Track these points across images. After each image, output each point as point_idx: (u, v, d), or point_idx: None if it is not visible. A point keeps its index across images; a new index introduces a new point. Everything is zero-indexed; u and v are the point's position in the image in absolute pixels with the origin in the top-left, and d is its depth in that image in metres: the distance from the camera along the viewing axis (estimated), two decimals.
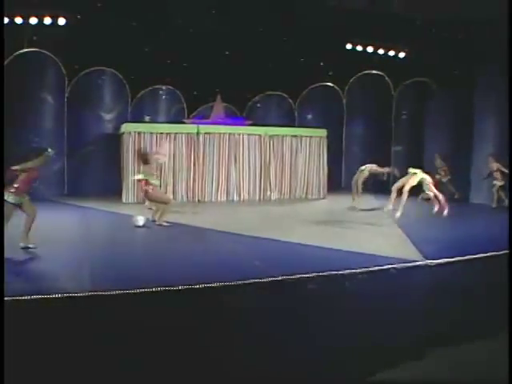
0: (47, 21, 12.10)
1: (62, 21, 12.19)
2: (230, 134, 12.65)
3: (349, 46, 14.89)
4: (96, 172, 12.97)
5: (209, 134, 12.52)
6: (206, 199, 12.44)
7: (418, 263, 6.51)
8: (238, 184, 12.68)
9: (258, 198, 12.88)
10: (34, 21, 12.03)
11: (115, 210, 10.77)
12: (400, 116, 15.76)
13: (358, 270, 6.05)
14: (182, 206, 11.08)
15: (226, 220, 9.91)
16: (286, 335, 4.44)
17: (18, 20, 11.89)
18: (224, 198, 12.61)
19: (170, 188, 12.24)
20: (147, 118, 13.63)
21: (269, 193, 13.01)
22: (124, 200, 11.94)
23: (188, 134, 12.39)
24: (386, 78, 15.66)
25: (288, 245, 7.53)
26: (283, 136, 13.22)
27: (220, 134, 12.56)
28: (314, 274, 5.89)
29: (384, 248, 7.21)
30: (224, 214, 10.82)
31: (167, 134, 12.21)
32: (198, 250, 7.32)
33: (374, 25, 14.11)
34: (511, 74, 10.72)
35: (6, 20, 11.72)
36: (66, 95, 13.02)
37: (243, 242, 7.79)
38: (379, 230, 9.07)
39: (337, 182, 15.65)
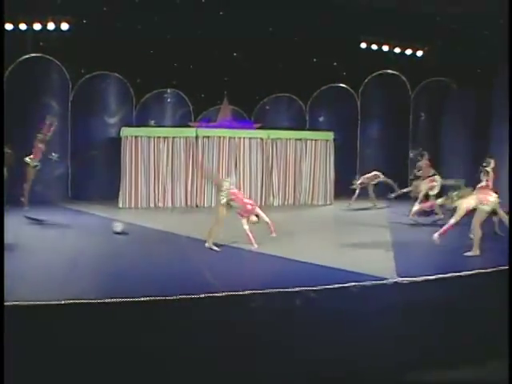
0: (51, 26, 12.21)
1: (65, 26, 12.27)
2: (230, 137, 12.39)
3: (363, 45, 14.42)
4: (99, 176, 12.95)
5: (208, 137, 12.32)
6: (205, 205, 12.23)
7: (385, 281, 6.08)
8: (239, 189, 12.37)
9: (259, 203, 12.53)
10: (37, 26, 12.16)
11: (107, 215, 10.69)
12: (418, 117, 15.09)
13: (314, 288, 5.69)
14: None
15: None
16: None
17: (22, 26, 12.06)
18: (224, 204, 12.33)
19: (168, 193, 12.12)
20: (152, 122, 13.55)
21: (271, 198, 12.66)
22: (120, 205, 11.89)
23: (187, 137, 12.22)
24: (403, 78, 15.02)
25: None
26: (287, 139, 12.84)
27: (220, 137, 12.33)
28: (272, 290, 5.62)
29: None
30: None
31: (165, 138, 12.08)
32: (163, 260, 7.13)
33: (390, 23, 13.61)
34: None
35: (11, 26, 11.95)
36: (70, 99, 13.08)
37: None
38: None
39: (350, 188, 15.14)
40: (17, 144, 12.30)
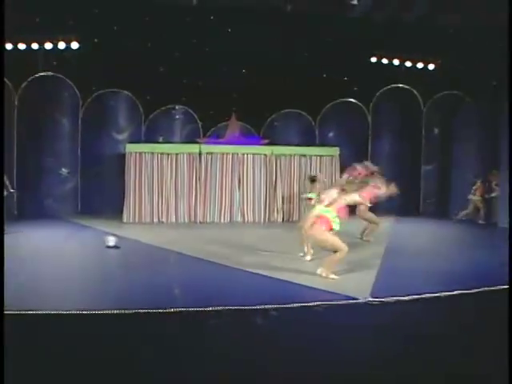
0: (61, 45, 12.63)
1: (75, 45, 12.66)
2: (233, 153, 12.49)
3: (374, 60, 14.34)
4: (108, 191, 13.21)
5: (211, 153, 12.45)
6: (207, 220, 12.33)
7: (356, 301, 5.99)
8: (242, 205, 12.46)
9: (262, 220, 12.58)
10: (48, 46, 12.60)
11: (109, 229, 10.89)
12: (431, 132, 14.87)
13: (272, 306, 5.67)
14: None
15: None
16: None
17: (34, 45, 12.53)
18: (227, 220, 12.42)
19: (171, 209, 12.28)
20: (161, 139, 13.79)
21: (275, 214, 12.65)
22: (125, 220, 12.11)
23: (190, 153, 12.38)
24: (415, 92, 14.84)
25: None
26: (291, 155, 12.85)
27: (223, 153, 12.44)
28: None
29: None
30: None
31: (168, 154, 12.28)
32: (148, 273, 7.23)
33: (401, 36, 13.54)
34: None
35: (23, 46, 12.44)
36: (80, 116, 13.48)
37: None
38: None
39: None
40: (31, 158, 12.89)
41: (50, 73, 12.97)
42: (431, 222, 13.34)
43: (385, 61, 14.35)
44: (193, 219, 12.36)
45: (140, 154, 12.23)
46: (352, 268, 7.56)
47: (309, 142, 14.50)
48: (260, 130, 14.61)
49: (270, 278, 6.99)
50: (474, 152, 13.65)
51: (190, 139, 13.81)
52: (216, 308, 5.56)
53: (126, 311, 5.36)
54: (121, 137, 13.64)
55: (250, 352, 4.70)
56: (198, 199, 12.34)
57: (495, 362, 4.36)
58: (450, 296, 6.26)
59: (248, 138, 13.99)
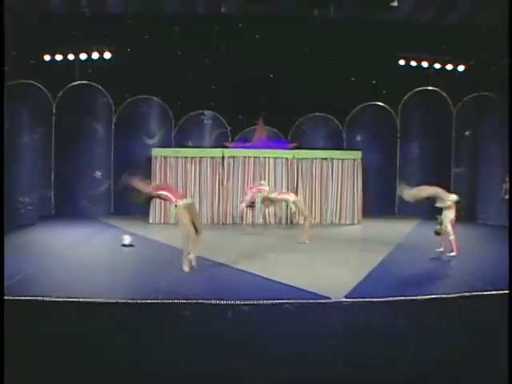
0: (95, 55, 13.50)
1: (107, 55, 13.49)
2: (254, 157, 12.91)
3: (402, 62, 14.37)
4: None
5: (233, 157, 12.93)
6: (229, 222, 12.82)
7: (327, 300, 6.27)
8: (263, 208, 12.82)
9: (284, 222, 12.92)
10: (83, 56, 13.51)
11: (133, 229, 11.59)
12: (461, 134, 14.69)
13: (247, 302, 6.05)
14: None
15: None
16: None
17: (70, 56, 13.46)
18: (249, 221, 12.85)
19: None
20: (190, 143, 14.42)
21: (297, 217, 12.94)
22: (151, 221, 12.80)
23: (213, 157, 12.91)
24: (444, 94, 14.73)
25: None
26: (312, 159, 13.12)
27: (245, 157, 12.89)
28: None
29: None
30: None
31: (192, 158, 12.87)
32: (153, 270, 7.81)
33: (429, 38, 13.54)
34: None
35: (60, 57, 13.40)
36: (113, 122, 14.34)
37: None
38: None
39: (390, 208, 15.06)
40: (68, 161, 13.83)
41: (85, 81, 13.87)
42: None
43: (413, 63, 14.35)
44: (216, 221, 12.88)
45: (165, 157, 12.89)
46: (346, 269, 7.83)
47: (336, 145, 14.73)
48: (287, 134, 14.98)
49: (258, 276, 7.39)
50: (504, 154, 13.38)
51: (219, 143, 14.38)
52: (189, 301, 6.03)
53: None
54: (151, 141, 14.38)
55: (213, 346, 5.10)
56: (221, 201, 12.84)
57: (461, 363, 4.56)
58: (428, 299, 6.42)
59: (275, 141, 14.39)
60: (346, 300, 6.25)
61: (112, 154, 14.31)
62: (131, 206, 14.03)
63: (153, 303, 5.97)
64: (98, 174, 13.91)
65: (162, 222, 12.80)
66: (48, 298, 5.96)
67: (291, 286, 6.73)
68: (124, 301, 6.00)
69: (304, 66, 13.86)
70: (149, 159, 14.13)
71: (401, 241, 10.50)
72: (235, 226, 12.60)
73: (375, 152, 14.72)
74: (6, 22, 10.93)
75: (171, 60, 13.73)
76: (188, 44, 13.68)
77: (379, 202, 14.61)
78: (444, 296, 6.44)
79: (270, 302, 6.08)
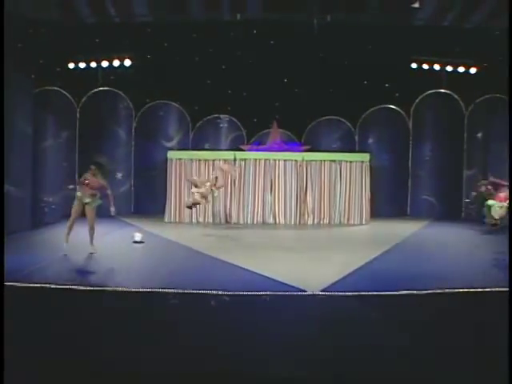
0: (116, 63, 14.43)
1: (127, 62, 14.41)
2: (265, 159, 13.59)
3: (414, 65, 14.76)
4: (158, 193, 14.75)
5: (245, 159, 13.65)
6: (241, 222, 13.55)
7: (303, 293, 6.90)
8: (274, 208, 13.52)
9: (293, 222, 13.54)
10: (105, 64, 14.46)
11: (148, 227, 12.45)
12: (473, 136, 14.99)
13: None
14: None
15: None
16: None
17: (93, 64, 14.44)
18: (260, 221, 13.55)
19: (208, 210, 13.63)
20: (207, 146, 15.23)
21: (306, 217, 13.56)
22: (166, 220, 13.64)
23: (225, 160, 13.66)
24: (456, 97, 15.05)
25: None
26: (321, 161, 13.71)
27: (256, 159, 13.59)
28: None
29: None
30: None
31: (205, 160, 13.65)
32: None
33: (441, 41, 13.91)
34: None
35: (84, 65, 14.40)
36: (134, 126, 15.29)
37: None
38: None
39: (402, 208, 15.47)
40: (90, 163, 14.75)
41: (106, 88, 14.85)
42: (465, 227, 13.49)
43: (425, 66, 14.72)
44: (228, 220, 13.62)
45: (180, 160, 13.71)
46: (332, 266, 8.42)
47: (349, 147, 15.26)
48: (301, 137, 15.59)
49: (246, 270, 8.10)
50: None
51: (235, 146, 15.12)
52: (175, 290, 6.78)
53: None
54: (170, 144, 15.24)
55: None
56: (233, 202, 13.58)
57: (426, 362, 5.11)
58: (396, 296, 6.94)
59: (289, 144, 15.03)
60: (320, 293, 6.87)
61: (132, 156, 15.25)
62: (149, 205, 15.02)
63: (147, 292, 6.77)
64: (119, 175, 14.84)
65: (177, 221, 13.60)
66: (53, 286, 6.85)
67: (274, 280, 7.40)
68: (120, 289, 6.82)
69: (317, 70, 14.45)
70: (167, 161, 15.01)
71: (399, 241, 10.97)
72: (248, 225, 13.35)
73: (387, 154, 15.21)
74: (34, 34, 12.04)
75: (189, 66, 14.54)
76: (205, 50, 14.47)
77: (391, 202, 15.08)
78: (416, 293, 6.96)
79: (250, 293, 6.78)
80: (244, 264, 8.38)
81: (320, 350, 5.55)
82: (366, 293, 6.94)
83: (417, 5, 13.14)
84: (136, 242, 10.42)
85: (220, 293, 6.71)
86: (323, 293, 6.87)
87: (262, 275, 7.68)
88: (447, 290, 7.03)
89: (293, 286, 7.06)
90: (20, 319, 5.58)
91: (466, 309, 6.61)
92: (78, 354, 4.95)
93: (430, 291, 6.96)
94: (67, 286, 6.90)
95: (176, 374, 4.89)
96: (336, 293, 6.90)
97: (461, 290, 7.00)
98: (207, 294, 6.73)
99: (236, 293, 6.77)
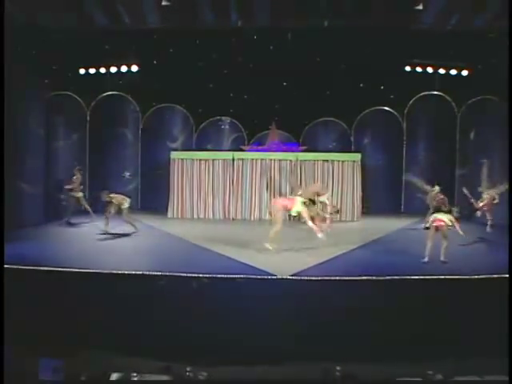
0: (123, 69, 15.65)
1: (134, 68, 15.63)
2: (261, 159, 14.72)
3: (408, 68, 15.67)
4: (163, 191, 15.92)
5: (242, 159, 14.82)
6: (239, 217, 14.71)
7: (273, 277, 8.03)
8: (270, 205, 14.60)
9: (288, 218, 14.61)
10: (113, 69, 15.69)
11: (151, 222, 13.70)
12: (465, 137, 15.87)
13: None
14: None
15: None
16: None
17: (102, 70, 15.70)
18: (257, 217, 14.69)
19: (209, 207, 14.85)
20: (209, 146, 16.42)
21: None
22: (169, 215, 14.89)
23: (224, 159, 14.85)
24: (448, 98, 15.98)
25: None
26: (314, 161, 14.80)
27: (252, 159, 14.74)
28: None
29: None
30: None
31: (206, 160, 14.86)
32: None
33: (435, 44, 14.77)
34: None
35: (93, 70, 15.67)
36: (140, 128, 16.59)
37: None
38: None
39: (396, 206, 16.45)
40: (100, 163, 16.08)
41: (115, 92, 16.16)
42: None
43: (419, 69, 15.62)
44: (227, 216, 14.81)
45: (182, 160, 14.94)
46: (308, 256, 9.52)
47: (344, 148, 16.28)
48: (299, 138, 16.68)
49: (226, 257, 9.32)
50: (507, 156, 14.43)
51: (236, 147, 16.27)
52: (162, 273, 7.98)
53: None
54: (174, 145, 16.46)
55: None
56: (231, 199, 14.76)
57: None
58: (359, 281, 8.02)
59: (287, 144, 16.13)
60: (289, 278, 8.00)
61: (139, 157, 16.54)
62: (155, 202, 16.25)
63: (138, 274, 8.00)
64: (127, 174, 16.15)
65: (179, 216, 14.83)
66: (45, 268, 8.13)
67: (251, 266, 8.56)
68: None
69: (315, 74, 15.43)
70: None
71: (382, 235, 12.02)
72: (244, 221, 14.51)
73: (382, 154, 16.25)
74: (47, 42, 13.29)
75: (193, 71, 15.65)
76: (208, 56, 15.60)
77: (385, 200, 16.09)
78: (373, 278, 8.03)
79: (226, 276, 7.95)
80: (229, 253, 9.55)
81: (283, 324, 6.73)
82: (330, 278, 8.04)
83: (420, 6, 14.12)
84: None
85: (201, 275, 7.89)
86: (291, 277, 7.99)
87: (241, 262, 8.84)
88: (405, 277, 8.07)
89: (266, 271, 8.20)
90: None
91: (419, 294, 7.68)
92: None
93: (386, 278, 8.02)
94: (72, 269, 8.16)
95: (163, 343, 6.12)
96: (303, 277, 8.01)
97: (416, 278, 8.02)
98: (190, 276, 7.92)
99: (214, 275, 7.95)
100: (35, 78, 13.55)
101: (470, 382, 5.21)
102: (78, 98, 15.77)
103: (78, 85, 15.40)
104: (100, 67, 15.50)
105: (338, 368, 4.80)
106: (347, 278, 7.98)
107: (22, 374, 4.90)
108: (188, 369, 5.37)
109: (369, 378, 5.68)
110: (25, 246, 9.82)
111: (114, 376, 5.10)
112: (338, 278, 8.01)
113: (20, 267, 7.91)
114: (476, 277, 7.87)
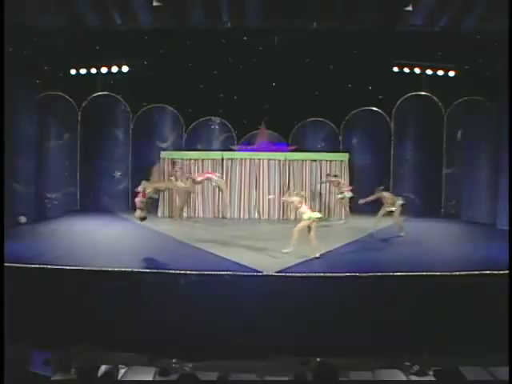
0: (114, 69, 15.85)
1: (125, 68, 15.83)
2: (250, 159, 14.98)
3: (395, 69, 15.95)
4: None
5: (231, 159, 15.06)
6: (228, 217, 14.95)
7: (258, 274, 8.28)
8: (258, 204, 14.91)
9: (277, 217, 14.90)
10: (104, 70, 15.89)
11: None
12: (452, 137, 16.20)
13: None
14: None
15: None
16: None
17: (93, 70, 15.88)
18: (246, 216, 14.94)
19: (199, 206, 15.08)
20: (199, 146, 16.63)
21: (289, 213, 14.90)
22: (159, 215, 15.10)
23: (213, 159, 15.09)
24: (435, 99, 16.29)
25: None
26: (303, 160, 15.07)
27: (241, 159, 14.98)
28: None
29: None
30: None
31: (195, 159, 15.08)
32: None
33: (422, 46, 15.04)
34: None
35: (84, 71, 15.86)
36: (131, 128, 16.78)
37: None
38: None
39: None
40: (91, 163, 16.25)
41: (106, 92, 16.36)
42: (439, 222, 14.76)
43: (406, 70, 15.91)
44: (216, 215, 15.04)
45: (172, 159, 15.14)
46: (292, 254, 9.75)
47: (333, 147, 16.57)
48: (288, 137, 16.94)
49: (212, 254, 9.58)
50: (493, 155, 14.72)
51: (225, 146, 16.51)
52: (152, 270, 8.21)
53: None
54: (165, 145, 16.67)
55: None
56: (221, 198, 14.96)
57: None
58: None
59: (276, 144, 16.39)
60: (274, 274, 8.25)
61: (130, 156, 16.73)
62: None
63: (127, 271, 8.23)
64: (118, 173, 16.36)
65: (169, 215, 15.05)
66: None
67: (237, 263, 8.81)
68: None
69: (303, 74, 15.70)
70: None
71: (365, 234, 12.32)
72: (234, 220, 14.76)
73: (370, 154, 16.55)
74: (38, 42, 13.45)
75: (183, 72, 15.89)
76: (198, 57, 15.82)
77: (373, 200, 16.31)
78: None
79: (213, 272, 8.20)
80: (215, 251, 9.80)
81: (269, 318, 6.97)
82: (312, 274, 8.31)
83: (410, 8, 14.39)
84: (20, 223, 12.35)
85: (188, 272, 8.14)
86: (276, 274, 8.25)
87: (227, 259, 9.09)
88: (387, 274, 8.36)
89: (252, 268, 8.45)
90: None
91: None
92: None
93: (368, 274, 8.30)
94: (62, 267, 8.38)
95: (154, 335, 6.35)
96: (287, 274, 8.27)
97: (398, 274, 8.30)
98: (178, 273, 8.16)
99: (201, 272, 8.19)
100: (26, 78, 13.73)
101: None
102: (68, 98, 15.96)
103: (69, 85, 15.61)
104: (91, 67, 15.69)
105: (317, 359, 5.05)
106: (331, 274, 8.24)
107: (14, 365, 5.10)
108: (174, 361, 5.61)
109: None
110: (16, 245, 10.03)
111: (103, 368, 5.31)
112: (322, 274, 8.28)
113: (14, 265, 8.12)
114: (457, 273, 8.16)
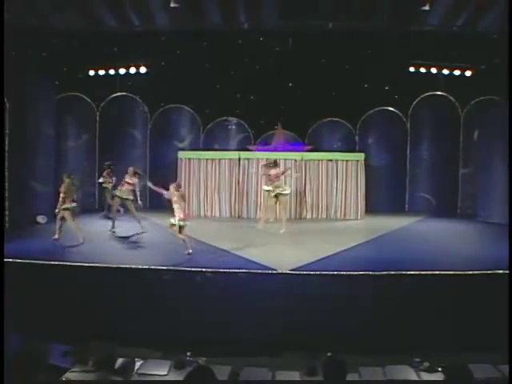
0: (132, 70, 16.09)
1: (143, 69, 16.06)
2: (266, 159, 15.05)
3: (412, 69, 15.95)
4: None
5: (248, 159, 15.21)
6: (245, 216, 15.10)
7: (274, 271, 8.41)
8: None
9: (293, 216, 14.99)
10: (122, 71, 16.13)
11: (157, 220, 14.18)
12: (468, 137, 16.15)
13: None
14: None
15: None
16: None
17: (111, 71, 16.14)
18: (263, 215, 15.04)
19: (215, 205, 15.25)
20: (216, 146, 16.81)
21: (305, 212, 15.01)
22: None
23: (230, 159, 15.26)
24: (452, 99, 16.27)
25: None
26: (319, 160, 15.16)
27: (258, 159, 15.10)
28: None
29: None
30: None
31: (212, 159, 15.26)
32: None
33: (438, 45, 15.05)
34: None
35: (103, 72, 16.12)
36: (149, 128, 17.03)
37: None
38: None
39: (400, 205, 16.75)
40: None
41: (124, 93, 16.62)
42: (455, 222, 14.73)
43: (423, 70, 15.90)
44: (233, 214, 15.20)
45: (189, 159, 15.35)
46: (308, 253, 9.87)
47: (349, 148, 16.65)
48: (304, 138, 17.04)
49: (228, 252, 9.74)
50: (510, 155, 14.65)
51: (242, 146, 16.68)
52: (168, 267, 8.39)
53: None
54: (182, 145, 16.90)
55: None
56: (237, 198, 15.15)
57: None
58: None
59: (293, 144, 16.51)
60: (289, 272, 8.37)
61: (148, 156, 16.98)
62: (163, 201, 16.64)
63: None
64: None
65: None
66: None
67: (253, 262, 8.94)
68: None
69: (320, 74, 15.77)
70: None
71: (383, 233, 12.36)
72: (249, 220, 14.89)
73: (386, 154, 16.59)
74: (57, 44, 13.72)
75: (200, 72, 16.06)
76: (215, 57, 15.99)
77: (390, 199, 16.42)
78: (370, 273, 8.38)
79: (230, 270, 8.35)
80: (231, 249, 9.94)
81: (284, 316, 7.10)
82: (328, 272, 8.41)
83: (427, 7, 14.41)
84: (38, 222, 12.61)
85: (204, 270, 8.30)
86: (291, 272, 8.37)
87: (242, 257, 9.23)
88: (401, 272, 8.43)
89: (266, 266, 8.58)
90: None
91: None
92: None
93: (383, 273, 8.37)
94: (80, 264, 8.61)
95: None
96: (302, 272, 8.38)
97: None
98: (193, 271, 8.32)
99: (218, 270, 8.34)
100: (46, 79, 14.03)
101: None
102: (87, 99, 16.26)
103: (88, 86, 15.90)
104: (109, 68, 15.92)
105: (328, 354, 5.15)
106: (345, 272, 8.33)
107: (35, 359, 5.28)
108: (188, 354, 5.77)
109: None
110: (38, 242, 10.34)
111: (120, 361, 5.47)
112: (335, 272, 8.38)
113: (30, 261, 8.37)
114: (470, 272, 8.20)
